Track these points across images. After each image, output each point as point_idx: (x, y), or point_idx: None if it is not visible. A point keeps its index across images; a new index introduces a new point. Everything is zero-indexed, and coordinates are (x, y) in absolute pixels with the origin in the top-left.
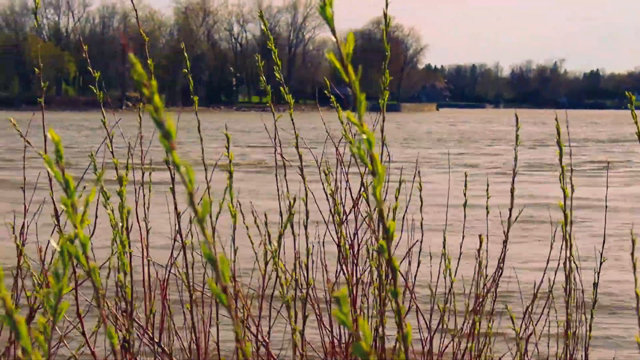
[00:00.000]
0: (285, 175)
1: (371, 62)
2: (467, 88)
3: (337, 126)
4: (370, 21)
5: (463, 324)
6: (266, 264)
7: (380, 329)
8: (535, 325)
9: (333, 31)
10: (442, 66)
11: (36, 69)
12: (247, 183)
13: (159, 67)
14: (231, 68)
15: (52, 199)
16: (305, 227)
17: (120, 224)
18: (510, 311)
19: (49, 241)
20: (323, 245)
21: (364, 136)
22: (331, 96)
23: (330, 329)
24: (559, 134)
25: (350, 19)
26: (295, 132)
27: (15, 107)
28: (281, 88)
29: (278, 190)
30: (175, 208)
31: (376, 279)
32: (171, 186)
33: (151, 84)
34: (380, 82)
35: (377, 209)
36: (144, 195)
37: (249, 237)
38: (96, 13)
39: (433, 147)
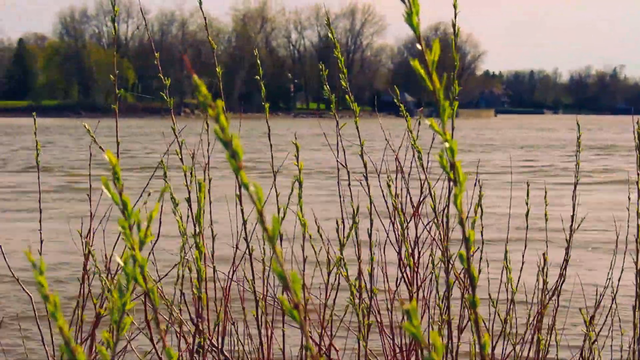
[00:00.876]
0: (349, 184)
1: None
2: (526, 94)
3: (395, 133)
4: (428, 27)
5: (525, 333)
6: (329, 273)
7: (448, 339)
8: (598, 333)
9: (418, 39)
10: (500, 72)
11: (111, 76)
12: (305, 189)
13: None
14: (289, 75)
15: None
16: (370, 235)
17: (197, 230)
18: (583, 313)
19: (113, 248)
20: (384, 253)
21: (447, 144)
22: (400, 104)
23: (391, 336)
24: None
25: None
26: (360, 139)
27: (75, 114)
28: (347, 96)
29: (341, 197)
30: (242, 214)
31: (440, 287)
32: (238, 193)
33: (217, 104)
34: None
35: (458, 217)
36: (210, 203)
37: (312, 245)
38: (155, 20)
39: (491, 152)
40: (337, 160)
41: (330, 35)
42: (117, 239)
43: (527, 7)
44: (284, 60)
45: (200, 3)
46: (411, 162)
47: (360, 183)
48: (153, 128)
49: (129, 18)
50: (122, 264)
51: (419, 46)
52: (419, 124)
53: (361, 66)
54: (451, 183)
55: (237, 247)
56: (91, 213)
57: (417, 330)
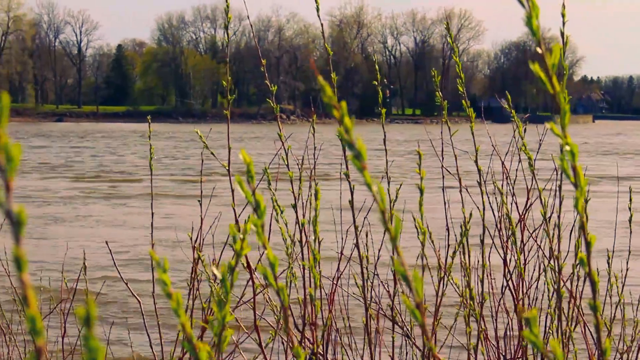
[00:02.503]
0: (460, 190)
1: (525, 74)
2: (624, 99)
3: (495, 139)
4: (525, 32)
5: (632, 341)
6: (440, 280)
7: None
8: None
9: (538, 43)
10: (598, 78)
11: (223, 82)
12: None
13: (313, 79)
14: (384, 80)
15: (235, 211)
16: (482, 241)
17: (312, 237)
18: None
19: (220, 254)
20: (489, 260)
21: (567, 147)
22: (512, 110)
23: (496, 344)
24: None
25: (505, 29)
26: (475, 145)
27: (172, 119)
28: (464, 102)
29: (446, 203)
30: (354, 221)
31: (551, 295)
32: (350, 199)
33: (341, 105)
34: (534, 94)
35: (579, 222)
36: (316, 210)
37: (423, 253)
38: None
39: (587, 158)
40: (443, 166)
41: (449, 39)
42: (224, 248)
43: (627, 12)
44: (379, 65)
45: (318, 10)
46: (516, 169)
47: (467, 189)
48: (252, 134)
49: (225, 24)
50: (219, 275)
51: (539, 49)
52: (525, 130)
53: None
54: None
55: (341, 253)
56: (201, 218)
57: (537, 339)
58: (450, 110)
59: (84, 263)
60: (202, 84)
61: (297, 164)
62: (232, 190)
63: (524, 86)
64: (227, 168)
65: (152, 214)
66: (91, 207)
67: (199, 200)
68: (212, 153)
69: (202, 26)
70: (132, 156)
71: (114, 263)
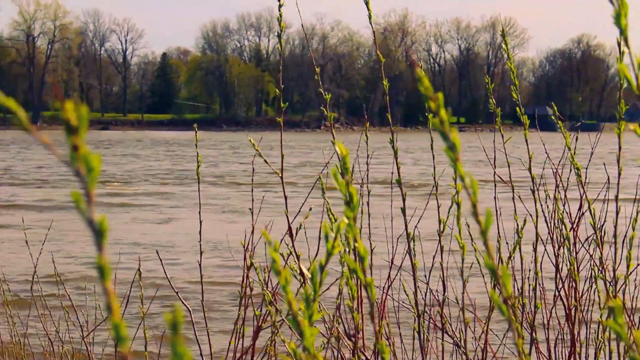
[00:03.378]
0: (513, 198)
1: (570, 82)
2: None
3: (540, 147)
4: (570, 40)
5: None
6: (494, 286)
7: None
8: None
9: (626, 40)
10: None
11: (276, 90)
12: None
13: (357, 87)
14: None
15: (288, 218)
16: (535, 249)
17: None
18: None
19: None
20: (541, 267)
21: None
22: (560, 119)
23: (547, 355)
24: None
25: (549, 37)
26: (529, 152)
27: (217, 127)
28: (518, 108)
29: (497, 211)
30: (406, 228)
31: (603, 304)
32: (402, 207)
33: (437, 96)
34: (579, 102)
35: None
36: (369, 216)
37: (477, 258)
38: (296, 35)
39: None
40: (495, 174)
41: (504, 47)
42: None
43: None
44: (424, 73)
45: (370, 17)
46: (568, 178)
47: (519, 197)
48: (297, 141)
49: (269, 32)
50: (308, 274)
51: (625, 49)
52: (577, 138)
53: (502, 79)
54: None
55: (392, 262)
56: (253, 226)
57: (621, 329)
58: (494, 118)
59: (139, 269)
60: (246, 92)
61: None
62: (286, 198)
63: (569, 94)
64: (280, 175)
65: (201, 221)
66: (139, 213)
67: (250, 209)
68: (265, 161)
69: (247, 34)
70: (180, 163)
71: (164, 271)
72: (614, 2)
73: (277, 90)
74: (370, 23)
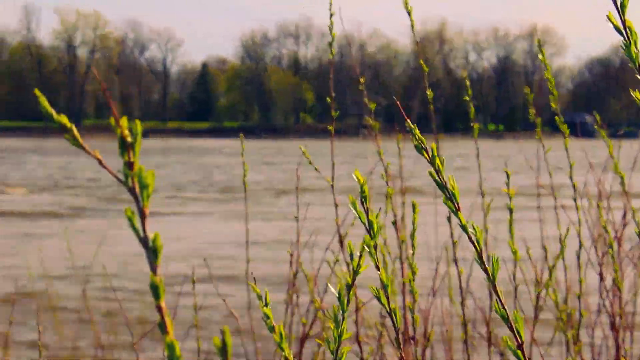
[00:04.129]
0: (556, 207)
1: (609, 89)
2: None
3: (578, 154)
4: (609, 48)
5: None
6: (537, 295)
7: None
8: None
9: (638, 68)
10: None
11: (328, 98)
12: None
13: (394, 94)
14: (467, 97)
15: (338, 227)
16: (578, 257)
17: (412, 252)
18: None
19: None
20: (585, 276)
21: None
22: (601, 127)
23: None
24: None
25: (588, 44)
26: (569, 160)
27: (255, 136)
28: (557, 118)
29: (541, 220)
30: (452, 236)
31: None
32: (448, 216)
33: (432, 147)
34: (617, 109)
35: None
36: (413, 225)
37: (521, 268)
38: (334, 42)
39: None
40: (539, 183)
41: (540, 54)
42: (321, 264)
43: None
44: (461, 81)
45: (413, 26)
46: (611, 186)
47: (562, 206)
48: (337, 149)
49: (308, 40)
50: (335, 293)
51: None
52: (620, 147)
53: (539, 87)
54: None
55: (436, 270)
56: (298, 235)
57: None
58: (531, 126)
59: (193, 276)
60: (285, 100)
61: (386, 180)
62: (336, 206)
63: (607, 102)
64: (331, 184)
65: (247, 230)
66: (187, 222)
67: (296, 217)
68: (315, 169)
69: (285, 43)
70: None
71: (211, 280)
72: (623, 34)
73: (306, 99)
74: (413, 32)
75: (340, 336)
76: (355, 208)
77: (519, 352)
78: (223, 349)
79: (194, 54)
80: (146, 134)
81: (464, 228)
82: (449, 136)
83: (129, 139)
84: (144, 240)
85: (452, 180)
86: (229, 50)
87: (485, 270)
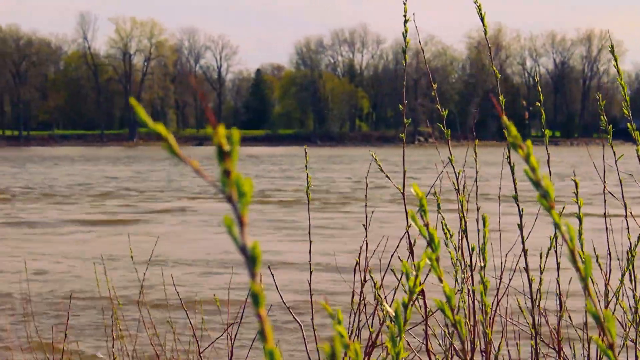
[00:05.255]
0: (626, 215)
1: None
2: None
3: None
4: None
5: None
6: (607, 304)
7: None
8: None
9: None
10: None
11: (400, 106)
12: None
13: (451, 101)
14: (523, 102)
15: (409, 235)
16: (634, 267)
17: (483, 264)
18: None
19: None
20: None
21: None
22: None
23: None
24: None
25: None
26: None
27: (310, 143)
28: (629, 125)
29: (607, 229)
30: (523, 244)
31: None
32: (519, 223)
33: (527, 146)
34: None
35: None
36: (485, 235)
37: (591, 278)
38: (389, 49)
39: None
40: (606, 190)
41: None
42: (386, 271)
43: None
44: (518, 87)
45: (486, 32)
46: None
47: (632, 214)
48: (392, 156)
49: (363, 48)
50: (392, 312)
51: None
52: None
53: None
54: None
55: (500, 279)
56: (366, 243)
57: None
58: (590, 132)
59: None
60: (340, 107)
61: (456, 187)
62: (407, 214)
63: None
64: (401, 192)
65: (310, 242)
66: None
67: (363, 225)
68: (387, 176)
69: (340, 50)
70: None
71: (277, 288)
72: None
73: (362, 105)
74: (486, 38)
75: (398, 354)
76: (415, 222)
77: (609, 352)
78: (332, 356)
79: (248, 62)
80: (201, 142)
81: (557, 226)
82: (505, 142)
83: (226, 147)
84: (242, 249)
85: (547, 178)
86: (283, 57)
87: (578, 269)
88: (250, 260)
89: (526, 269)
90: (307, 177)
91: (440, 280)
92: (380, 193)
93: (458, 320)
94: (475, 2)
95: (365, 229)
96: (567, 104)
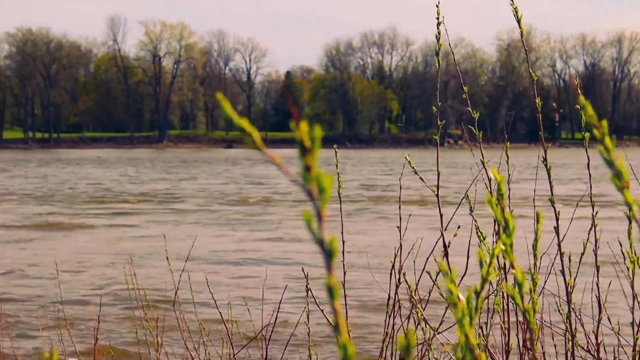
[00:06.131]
0: None
1: None
2: None
3: None
4: None
5: None
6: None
7: None
8: None
9: None
10: None
11: (434, 108)
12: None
13: (480, 103)
14: (553, 104)
15: (443, 235)
16: None
17: (534, 263)
18: None
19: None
20: None
21: None
22: None
23: None
24: None
25: None
26: None
27: (340, 145)
28: None
29: None
30: (559, 248)
31: None
32: (555, 226)
33: (602, 124)
34: None
35: None
36: (537, 233)
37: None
38: (419, 51)
39: None
40: None
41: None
42: (422, 272)
43: None
44: (548, 89)
45: (522, 35)
46: None
47: None
48: (422, 158)
49: (392, 49)
50: (463, 302)
51: None
52: None
53: (628, 95)
54: None
55: (533, 280)
56: (401, 244)
57: None
58: (621, 134)
59: (284, 290)
60: (369, 109)
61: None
62: (441, 215)
63: None
64: (436, 193)
65: (344, 241)
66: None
67: (397, 227)
68: (420, 178)
69: (369, 52)
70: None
71: (312, 295)
72: None
73: (392, 108)
74: (522, 42)
75: (467, 345)
76: (492, 207)
77: None
78: (407, 350)
79: (278, 64)
80: (230, 144)
81: (629, 205)
82: (534, 145)
83: (308, 144)
84: (320, 243)
85: (621, 160)
86: (312, 59)
87: None
88: (328, 254)
89: (563, 274)
90: (339, 177)
91: (513, 267)
92: (408, 195)
93: (527, 308)
94: (511, 5)
95: (399, 230)
96: (598, 106)
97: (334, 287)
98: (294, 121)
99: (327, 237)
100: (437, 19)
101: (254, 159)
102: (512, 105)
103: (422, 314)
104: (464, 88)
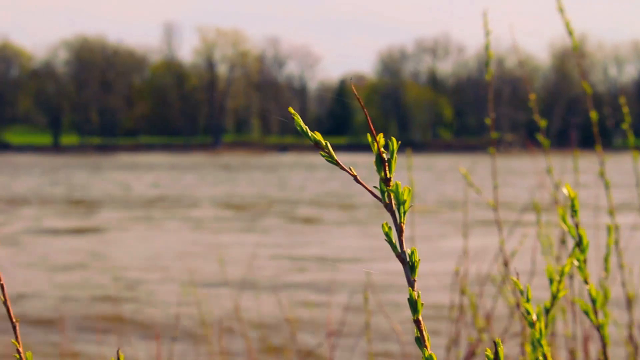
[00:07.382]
0: None
1: None
2: None
3: None
4: None
5: None
6: None
7: None
8: None
9: None
10: None
11: (488, 120)
12: None
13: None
14: (607, 110)
15: (504, 251)
16: None
17: (605, 275)
18: None
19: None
20: None
21: None
22: None
23: None
24: None
25: None
26: None
27: None
28: None
29: None
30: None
31: None
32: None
33: None
34: None
35: None
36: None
37: None
38: (472, 58)
39: None
40: None
41: None
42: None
43: None
44: (601, 96)
45: (575, 44)
46: None
47: None
48: (474, 165)
49: (445, 55)
50: (534, 317)
51: None
52: None
53: None
54: None
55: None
56: (466, 251)
57: None
58: None
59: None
60: (422, 115)
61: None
62: (500, 227)
63: None
64: (494, 207)
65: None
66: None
67: (463, 234)
68: (477, 190)
69: (423, 58)
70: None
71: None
72: None
73: (445, 114)
74: (576, 54)
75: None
76: (564, 221)
77: None
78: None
79: (331, 70)
80: (285, 149)
81: None
82: (588, 151)
83: (386, 156)
84: (401, 256)
85: None
86: (366, 66)
87: None
88: (409, 266)
89: (623, 284)
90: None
91: (586, 282)
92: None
93: (602, 323)
94: (561, 16)
95: (465, 239)
96: None
97: (417, 300)
98: (369, 133)
99: (408, 250)
100: (486, 29)
101: (312, 164)
102: (566, 112)
103: (483, 324)
104: (531, 95)
